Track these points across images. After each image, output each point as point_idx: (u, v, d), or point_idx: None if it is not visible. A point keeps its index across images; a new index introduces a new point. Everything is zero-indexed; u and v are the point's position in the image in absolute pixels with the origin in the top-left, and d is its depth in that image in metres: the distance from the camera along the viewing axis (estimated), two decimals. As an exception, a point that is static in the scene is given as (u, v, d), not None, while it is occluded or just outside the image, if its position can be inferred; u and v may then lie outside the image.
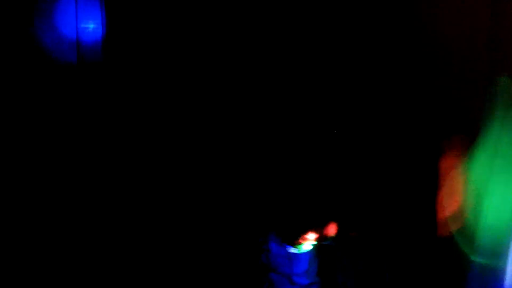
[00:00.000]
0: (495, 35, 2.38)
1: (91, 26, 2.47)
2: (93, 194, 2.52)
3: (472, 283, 2.51)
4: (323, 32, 2.65)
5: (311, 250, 2.61)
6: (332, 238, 2.61)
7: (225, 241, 2.66)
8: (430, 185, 2.63)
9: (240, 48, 2.65)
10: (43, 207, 2.48)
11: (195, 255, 2.66)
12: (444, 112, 2.56)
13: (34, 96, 2.43)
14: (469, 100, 2.49)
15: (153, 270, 2.60)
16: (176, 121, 2.60)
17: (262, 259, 2.62)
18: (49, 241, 2.49)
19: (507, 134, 2.34)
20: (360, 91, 2.65)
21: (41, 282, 2.49)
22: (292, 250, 2.58)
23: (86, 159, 2.51)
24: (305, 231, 2.54)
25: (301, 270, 2.64)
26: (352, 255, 2.72)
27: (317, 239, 2.56)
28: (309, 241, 2.55)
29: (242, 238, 2.64)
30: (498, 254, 2.40)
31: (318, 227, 2.56)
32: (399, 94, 2.62)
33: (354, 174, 2.69)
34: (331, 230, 2.59)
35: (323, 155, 2.68)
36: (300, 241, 2.55)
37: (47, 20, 2.43)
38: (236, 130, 2.66)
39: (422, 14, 2.48)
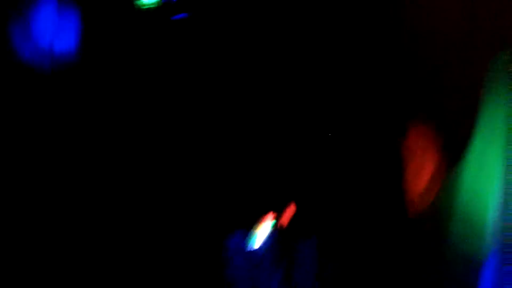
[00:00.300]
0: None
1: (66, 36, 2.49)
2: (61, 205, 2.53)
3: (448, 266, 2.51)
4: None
5: (270, 243, 2.58)
6: (290, 221, 2.58)
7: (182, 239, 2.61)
8: (398, 161, 2.59)
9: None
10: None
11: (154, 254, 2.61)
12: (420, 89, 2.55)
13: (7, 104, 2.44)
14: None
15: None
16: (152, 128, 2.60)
17: (222, 257, 2.59)
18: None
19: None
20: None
21: (41, 282, 2.52)
22: (251, 236, 2.54)
23: (62, 166, 2.52)
24: (262, 214, 2.52)
25: (262, 265, 2.62)
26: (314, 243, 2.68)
27: (274, 222, 2.53)
28: (266, 225, 2.53)
29: (198, 235, 2.59)
30: (474, 238, 2.40)
31: (274, 209, 2.54)
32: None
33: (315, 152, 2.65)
34: (288, 213, 2.57)
35: (278, 137, 2.61)
36: (257, 225, 2.52)
37: (21, 28, 2.42)
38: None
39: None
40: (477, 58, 2.34)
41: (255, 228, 2.54)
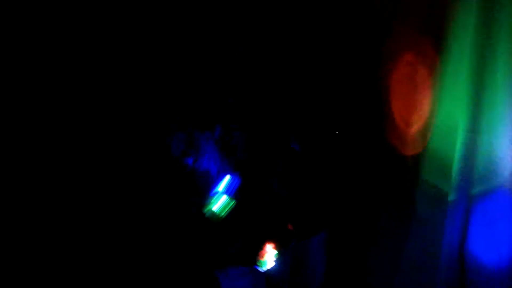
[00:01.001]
0: None
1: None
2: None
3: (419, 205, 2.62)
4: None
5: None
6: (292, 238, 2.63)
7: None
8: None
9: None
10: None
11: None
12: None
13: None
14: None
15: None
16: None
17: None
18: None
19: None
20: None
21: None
22: (259, 268, 2.53)
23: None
24: (262, 246, 2.52)
25: None
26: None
27: (277, 248, 2.54)
28: (270, 254, 2.53)
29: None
30: (445, 175, 2.49)
31: (273, 238, 2.56)
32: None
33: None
34: (289, 232, 2.61)
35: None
36: (261, 257, 2.52)
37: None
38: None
39: None
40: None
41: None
